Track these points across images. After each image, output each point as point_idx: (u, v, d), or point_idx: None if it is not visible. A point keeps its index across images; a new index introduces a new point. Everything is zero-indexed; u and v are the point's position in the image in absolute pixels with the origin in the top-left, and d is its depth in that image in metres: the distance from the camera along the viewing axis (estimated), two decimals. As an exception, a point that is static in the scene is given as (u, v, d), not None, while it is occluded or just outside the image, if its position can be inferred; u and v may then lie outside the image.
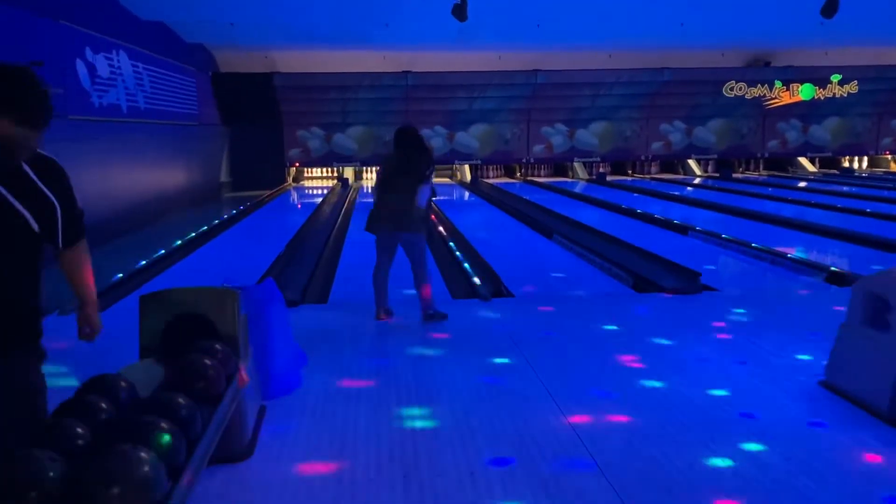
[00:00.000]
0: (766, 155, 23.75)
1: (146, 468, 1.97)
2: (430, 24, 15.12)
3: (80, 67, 11.13)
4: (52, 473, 1.90)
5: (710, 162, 23.80)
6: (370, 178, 23.27)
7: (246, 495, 3.13)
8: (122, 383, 2.67)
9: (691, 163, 23.57)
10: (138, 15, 13.59)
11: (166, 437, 2.18)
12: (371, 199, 6.06)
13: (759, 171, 24.09)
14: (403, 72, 20.84)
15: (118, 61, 12.74)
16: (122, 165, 12.42)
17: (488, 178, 23.22)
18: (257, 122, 20.67)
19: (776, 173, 23.41)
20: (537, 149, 22.90)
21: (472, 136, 22.58)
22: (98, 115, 11.68)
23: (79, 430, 2.21)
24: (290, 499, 3.09)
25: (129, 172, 12.86)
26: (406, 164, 5.80)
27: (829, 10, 12.95)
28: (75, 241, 2.52)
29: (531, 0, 14.91)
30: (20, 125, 2.17)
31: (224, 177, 20.27)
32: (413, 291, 6.05)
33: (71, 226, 2.44)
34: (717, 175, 22.69)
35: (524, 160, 23.15)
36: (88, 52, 11.43)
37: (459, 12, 12.54)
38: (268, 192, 19.18)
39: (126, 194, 12.49)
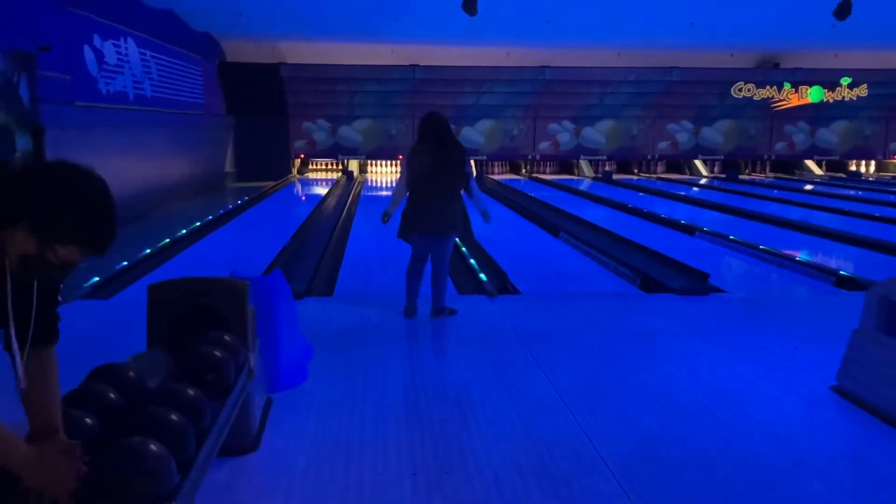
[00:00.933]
0: (773, 157, 23.66)
1: (157, 461, 1.93)
2: (440, 19, 15.06)
3: (88, 54, 11.09)
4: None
5: (717, 163, 23.74)
6: (375, 171, 23.23)
7: (253, 488, 3.10)
8: (130, 372, 2.64)
9: (697, 163, 23.50)
10: (146, 2, 13.54)
11: None
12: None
13: (765, 174, 24.01)
14: (411, 65, 20.78)
15: (126, 48, 12.70)
16: (127, 153, 12.38)
17: (493, 174, 23.17)
18: (263, 112, 20.62)
19: (782, 175, 23.33)
20: (543, 146, 22.86)
21: (478, 132, 22.52)
22: (105, 103, 11.65)
23: (87, 420, 2.18)
24: (297, 492, 3.05)
25: (134, 160, 12.82)
26: (438, 161, 5.58)
27: (843, 12, 12.84)
28: (46, 342, 2.01)
29: (541, -4, 14.86)
30: (87, 255, 1.87)
31: (229, 167, 20.23)
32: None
33: (44, 323, 1.98)
34: (724, 176, 22.61)
35: (530, 157, 23.10)
36: (96, 39, 11.39)
37: (470, 7, 12.45)
38: (272, 184, 19.14)
39: (130, 182, 12.44)
